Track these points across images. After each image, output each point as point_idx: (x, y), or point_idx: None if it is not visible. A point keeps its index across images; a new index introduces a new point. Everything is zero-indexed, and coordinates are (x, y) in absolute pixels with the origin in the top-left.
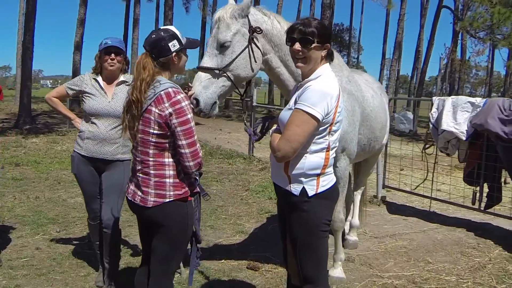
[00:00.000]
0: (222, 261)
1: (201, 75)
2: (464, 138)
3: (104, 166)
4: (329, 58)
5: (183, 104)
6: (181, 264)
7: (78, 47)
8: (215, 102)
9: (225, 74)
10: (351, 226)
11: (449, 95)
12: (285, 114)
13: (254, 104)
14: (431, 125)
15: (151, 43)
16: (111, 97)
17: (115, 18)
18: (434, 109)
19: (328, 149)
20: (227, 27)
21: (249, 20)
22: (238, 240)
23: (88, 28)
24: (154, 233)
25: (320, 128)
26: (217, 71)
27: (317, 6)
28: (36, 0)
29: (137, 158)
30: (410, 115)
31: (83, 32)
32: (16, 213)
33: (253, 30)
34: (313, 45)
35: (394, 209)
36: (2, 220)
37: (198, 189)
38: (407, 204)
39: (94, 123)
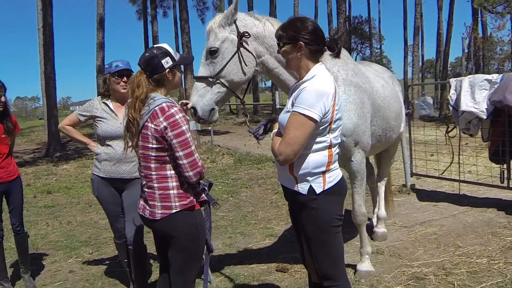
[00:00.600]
0: (252, 266)
1: (197, 84)
2: (484, 117)
3: (123, 185)
4: (320, 54)
5: (177, 116)
6: (210, 272)
7: (100, 71)
8: (213, 109)
9: (218, 81)
10: (378, 218)
11: (476, 74)
12: (283, 117)
13: (278, 106)
14: (451, 107)
15: (145, 61)
16: (122, 118)
17: (133, 37)
18: (452, 91)
19: (330, 146)
20: (215, 36)
21: (237, 26)
22: (268, 244)
23: (108, 50)
24: (167, 245)
25: (320, 128)
26: (210, 79)
27: (333, 1)
28: (53, 30)
29: (142, 174)
30: (429, 100)
31: (103, 55)
32: (49, 240)
33: (241, 35)
34: (282, 49)
35: (424, 196)
36: (35, 248)
37: (206, 198)
38: (437, 190)
39: (109, 145)
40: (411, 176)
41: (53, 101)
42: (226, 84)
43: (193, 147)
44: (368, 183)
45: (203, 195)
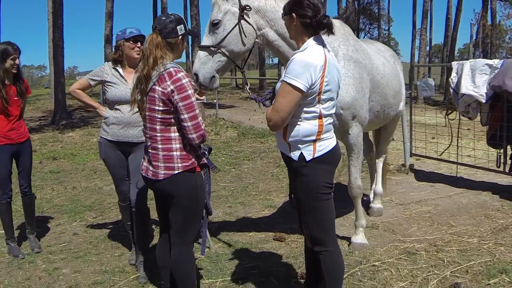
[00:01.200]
0: (250, 234)
1: (200, 53)
2: (483, 101)
3: (130, 148)
4: (316, 30)
5: (184, 81)
6: (209, 238)
7: (108, 40)
8: (213, 76)
9: (219, 50)
10: (375, 194)
11: None
12: (278, 86)
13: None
14: (451, 90)
15: (161, 24)
16: (131, 84)
17: (142, 8)
18: (454, 74)
19: (320, 116)
20: (218, 8)
21: (239, 0)
22: (267, 214)
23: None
24: (168, 206)
25: (308, 98)
26: (212, 48)
27: None
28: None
29: (147, 135)
30: (431, 81)
31: (112, 25)
32: (54, 204)
33: (243, 8)
34: (283, 20)
35: (422, 176)
36: (41, 211)
37: (206, 162)
38: (435, 171)
39: (118, 109)
40: (411, 157)
41: (61, 69)
42: (227, 54)
43: (197, 111)
44: (366, 159)
45: (203, 158)
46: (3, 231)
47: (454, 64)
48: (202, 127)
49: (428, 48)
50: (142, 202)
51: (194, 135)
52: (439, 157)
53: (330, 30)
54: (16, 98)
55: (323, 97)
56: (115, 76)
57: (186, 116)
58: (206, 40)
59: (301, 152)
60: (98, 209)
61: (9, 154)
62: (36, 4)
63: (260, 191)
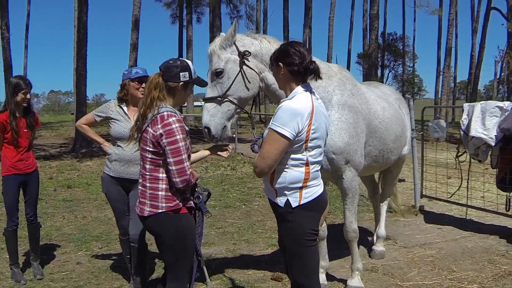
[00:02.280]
0: (249, 272)
1: (207, 105)
2: (493, 144)
3: (131, 185)
4: (304, 76)
5: (173, 126)
6: (207, 275)
7: None
8: (225, 126)
9: (227, 99)
10: (377, 237)
11: (508, 98)
12: (266, 132)
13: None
14: (461, 132)
15: (165, 66)
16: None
17: (166, 40)
18: (464, 116)
19: (307, 164)
20: (218, 58)
21: (236, 47)
22: (269, 252)
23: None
24: (157, 243)
25: (295, 146)
26: (219, 99)
27: (368, 17)
28: (87, 29)
29: (140, 172)
30: (443, 123)
31: (136, 56)
32: (63, 232)
33: (242, 54)
34: (272, 70)
35: (431, 218)
36: (49, 239)
37: (193, 205)
38: (446, 213)
39: (120, 146)
40: (421, 198)
41: (83, 98)
42: (235, 102)
43: (183, 156)
44: (372, 201)
45: (192, 201)
46: (8, 256)
47: (465, 105)
48: (187, 172)
49: (452, 85)
50: (140, 238)
51: (177, 179)
52: (449, 199)
53: (317, 75)
54: (26, 130)
55: (310, 144)
56: (119, 113)
57: (171, 160)
58: (211, 92)
59: (287, 199)
60: (105, 239)
61: (17, 183)
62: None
63: (266, 229)
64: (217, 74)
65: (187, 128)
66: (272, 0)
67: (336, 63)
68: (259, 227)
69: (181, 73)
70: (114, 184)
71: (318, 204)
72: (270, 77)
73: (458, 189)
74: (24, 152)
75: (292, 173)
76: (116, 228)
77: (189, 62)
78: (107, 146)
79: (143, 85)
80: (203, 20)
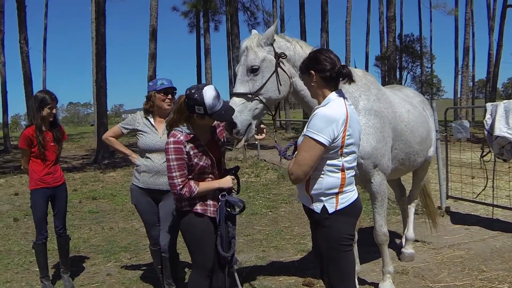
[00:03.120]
0: (280, 279)
1: (236, 100)
2: None
3: (160, 196)
4: (337, 81)
5: (169, 146)
6: (239, 283)
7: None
8: (250, 124)
9: (257, 97)
10: (406, 239)
11: None
12: (300, 139)
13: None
14: (486, 132)
15: (187, 95)
16: (162, 133)
17: (184, 49)
18: (488, 116)
19: (343, 169)
20: (255, 54)
21: (274, 48)
22: (299, 258)
23: (160, 61)
24: None
25: (331, 152)
26: (250, 96)
27: (385, 19)
28: (105, 40)
29: None
30: (466, 123)
31: (155, 66)
32: (91, 244)
33: (279, 56)
34: (302, 79)
35: (458, 219)
36: (77, 251)
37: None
38: (472, 213)
39: (149, 158)
40: (447, 199)
41: (104, 109)
42: (264, 101)
43: (173, 174)
44: (399, 204)
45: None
46: (38, 269)
47: (488, 105)
48: (177, 187)
49: (471, 84)
50: (171, 248)
51: (171, 190)
52: (475, 199)
53: (350, 79)
54: (53, 144)
55: (345, 150)
56: (146, 125)
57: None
58: (241, 87)
59: (324, 205)
60: (133, 250)
61: (45, 197)
62: (82, 42)
63: (294, 235)
64: (253, 70)
65: (186, 149)
66: (289, 7)
67: (355, 66)
68: (287, 233)
69: (195, 107)
70: (143, 195)
71: (353, 209)
72: (299, 83)
73: (483, 189)
74: (52, 165)
75: (328, 179)
76: (144, 238)
77: (208, 94)
78: (135, 158)
79: (169, 96)
80: (220, 28)
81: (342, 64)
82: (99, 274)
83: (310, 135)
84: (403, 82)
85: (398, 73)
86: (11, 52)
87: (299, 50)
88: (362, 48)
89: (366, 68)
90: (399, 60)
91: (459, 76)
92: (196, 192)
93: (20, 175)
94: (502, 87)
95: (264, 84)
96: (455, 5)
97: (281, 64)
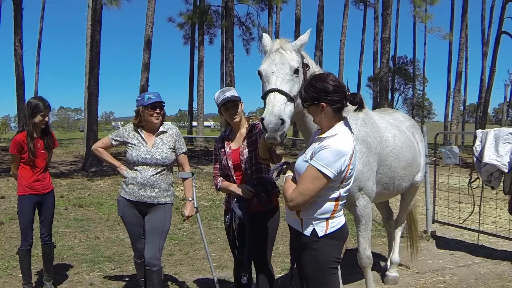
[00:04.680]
0: None
1: (280, 97)
2: (506, 170)
3: (147, 209)
4: (343, 109)
5: None
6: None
7: (144, 91)
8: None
9: (293, 101)
10: (391, 262)
11: None
12: (301, 165)
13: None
14: (474, 158)
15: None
16: (151, 146)
17: (178, 60)
18: (477, 142)
19: (338, 198)
20: (292, 56)
21: (302, 56)
22: (282, 276)
23: (154, 71)
24: None
25: (333, 183)
26: (289, 97)
27: (379, 40)
28: (100, 48)
29: None
30: (456, 149)
31: (148, 76)
32: (75, 252)
33: (304, 66)
34: (307, 109)
35: (443, 243)
36: (61, 258)
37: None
38: (457, 238)
39: (137, 170)
40: (433, 223)
41: (94, 117)
42: (295, 106)
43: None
44: (385, 227)
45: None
46: (22, 276)
47: (479, 132)
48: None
49: (462, 108)
50: (156, 261)
51: None
52: (461, 224)
53: (361, 107)
54: (43, 151)
55: (345, 182)
56: (136, 138)
57: None
58: (284, 84)
59: (314, 228)
60: (118, 261)
61: (32, 203)
62: (76, 47)
63: (279, 253)
64: (296, 71)
65: (217, 146)
66: (284, 23)
67: (347, 86)
68: (272, 251)
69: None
70: (130, 207)
71: (342, 234)
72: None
73: (470, 215)
74: (41, 172)
75: (322, 205)
76: (129, 249)
77: (228, 92)
78: (124, 170)
79: (157, 110)
80: (215, 42)
81: (352, 92)
82: (82, 283)
83: (318, 167)
84: (394, 103)
85: (390, 94)
86: (2, 53)
87: (311, 66)
88: (355, 68)
89: (358, 89)
90: (392, 82)
91: (451, 100)
92: (219, 186)
93: (7, 178)
94: (492, 112)
95: (299, 89)
96: (450, 29)
97: (305, 74)
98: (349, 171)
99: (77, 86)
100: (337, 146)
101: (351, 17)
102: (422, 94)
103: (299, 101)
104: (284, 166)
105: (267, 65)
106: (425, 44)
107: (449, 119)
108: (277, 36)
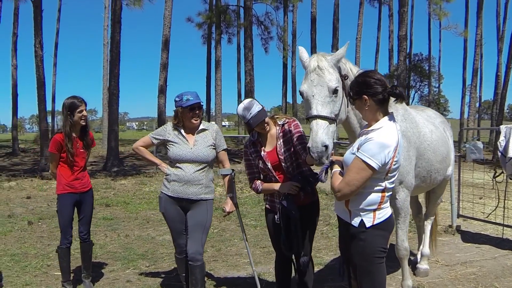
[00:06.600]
0: None
1: (322, 122)
2: None
3: (189, 205)
4: (386, 102)
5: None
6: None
7: (162, 91)
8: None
9: (335, 120)
10: (422, 255)
11: None
12: (348, 157)
13: (335, 141)
14: (499, 153)
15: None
16: (193, 144)
17: (196, 60)
18: (502, 138)
19: (384, 190)
20: (331, 75)
21: (340, 69)
22: (316, 271)
23: (171, 71)
24: None
25: (378, 174)
26: (331, 119)
27: (395, 38)
28: (120, 48)
29: None
30: (480, 144)
31: (166, 76)
32: (107, 250)
33: (344, 77)
34: (354, 104)
35: (468, 237)
36: (94, 256)
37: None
38: (482, 232)
39: (179, 167)
40: (458, 218)
41: (115, 117)
42: (338, 124)
43: (246, 171)
44: (415, 221)
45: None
46: (61, 273)
47: (502, 127)
48: (249, 182)
49: (478, 105)
50: (199, 256)
51: None
52: (485, 218)
53: (402, 98)
54: (82, 150)
55: (390, 174)
56: (177, 136)
57: None
58: (324, 109)
59: (362, 219)
60: (151, 258)
61: (72, 202)
62: (94, 47)
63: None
64: (335, 91)
65: (249, 151)
66: (300, 22)
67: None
68: None
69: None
70: (172, 204)
71: (388, 224)
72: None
73: (495, 209)
74: (80, 171)
75: (369, 197)
76: (161, 247)
77: (239, 108)
78: (165, 167)
79: (196, 111)
80: (233, 41)
81: (393, 84)
82: (119, 281)
83: (363, 158)
84: (410, 101)
85: (406, 92)
86: (20, 55)
87: (350, 72)
88: (371, 66)
89: None
90: (408, 79)
91: (466, 97)
92: (260, 189)
93: (31, 178)
94: (507, 109)
95: (341, 106)
96: (465, 26)
97: (345, 85)
98: (394, 163)
99: (93, 86)
100: (381, 139)
101: (366, 15)
102: (438, 91)
103: (341, 115)
104: (329, 166)
105: (307, 87)
106: (440, 41)
107: (465, 116)
108: (293, 35)
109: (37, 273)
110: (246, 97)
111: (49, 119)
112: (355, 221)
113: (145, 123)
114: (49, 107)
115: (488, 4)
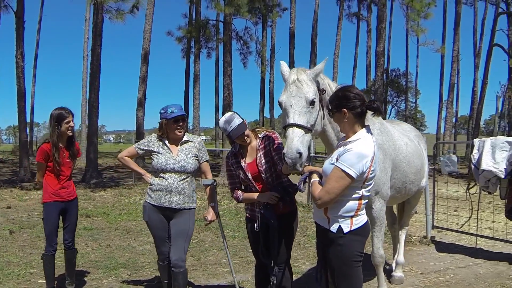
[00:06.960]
0: None
1: (297, 131)
2: (503, 176)
3: (172, 214)
4: (364, 115)
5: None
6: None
7: (141, 104)
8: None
9: (311, 130)
10: (396, 263)
11: (509, 133)
12: (328, 167)
13: (312, 154)
14: (472, 166)
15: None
16: (176, 155)
17: (175, 74)
18: (475, 151)
19: (361, 198)
20: (309, 88)
21: (318, 83)
22: (294, 280)
23: (150, 85)
24: None
25: (356, 183)
26: (307, 128)
27: (373, 53)
28: (101, 60)
29: None
30: (454, 157)
31: (145, 89)
32: (89, 259)
33: (321, 91)
34: (333, 117)
35: (443, 247)
36: (77, 265)
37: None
38: (456, 243)
39: (163, 177)
40: (432, 229)
41: (95, 129)
42: (312, 134)
43: (227, 181)
44: (390, 231)
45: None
46: (45, 281)
47: (476, 141)
48: (231, 192)
49: (454, 120)
50: (182, 263)
51: None
52: (459, 229)
53: (380, 112)
54: (68, 160)
55: (367, 183)
56: (161, 147)
57: None
58: (300, 118)
59: (340, 225)
60: (132, 267)
61: (57, 210)
62: (73, 59)
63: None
64: (312, 103)
65: (230, 162)
66: (279, 37)
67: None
68: None
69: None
70: (156, 212)
71: (364, 230)
72: (327, 117)
73: (468, 220)
74: (66, 180)
75: (347, 204)
76: (141, 256)
77: (221, 120)
78: (149, 177)
79: (180, 123)
80: (212, 55)
81: (371, 99)
82: None
83: (342, 168)
84: (387, 116)
85: (383, 106)
86: None
87: (328, 87)
88: (349, 81)
89: None
90: (385, 94)
91: (443, 112)
92: (241, 199)
93: (10, 189)
94: (483, 124)
95: (317, 117)
96: (442, 42)
97: (322, 99)
98: (371, 172)
99: (71, 98)
100: (359, 149)
101: (344, 31)
102: (415, 106)
103: (317, 127)
104: (308, 176)
105: (286, 97)
106: (417, 57)
107: (442, 131)
108: (272, 50)
109: (20, 281)
110: (224, 111)
111: (27, 130)
112: (334, 227)
113: (122, 136)
114: (27, 118)
115: (465, 21)
